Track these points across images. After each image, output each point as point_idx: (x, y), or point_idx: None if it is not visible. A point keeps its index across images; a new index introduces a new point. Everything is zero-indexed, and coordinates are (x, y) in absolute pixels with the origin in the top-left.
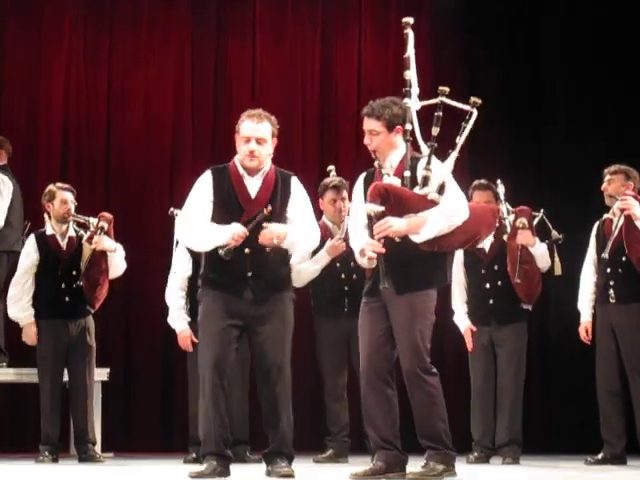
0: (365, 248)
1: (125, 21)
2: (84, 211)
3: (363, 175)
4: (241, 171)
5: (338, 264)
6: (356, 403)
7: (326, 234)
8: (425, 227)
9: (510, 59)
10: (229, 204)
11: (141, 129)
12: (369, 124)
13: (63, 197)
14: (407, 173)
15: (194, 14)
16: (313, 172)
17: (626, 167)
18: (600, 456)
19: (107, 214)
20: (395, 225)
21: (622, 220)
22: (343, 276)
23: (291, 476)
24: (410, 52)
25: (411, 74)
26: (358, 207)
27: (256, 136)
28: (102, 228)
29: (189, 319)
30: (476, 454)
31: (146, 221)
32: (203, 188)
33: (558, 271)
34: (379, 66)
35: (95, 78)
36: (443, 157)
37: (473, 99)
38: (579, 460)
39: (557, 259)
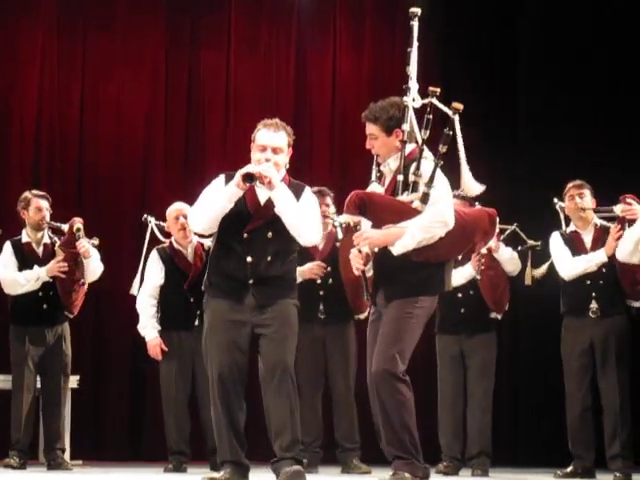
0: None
1: (99, 30)
2: (56, 219)
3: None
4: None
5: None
6: (329, 412)
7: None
8: (402, 239)
9: (485, 64)
10: (238, 209)
11: (114, 138)
12: (368, 128)
13: (38, 204)
14: (400, 177)
15: (168, 23)
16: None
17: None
18: (569, 469)
19: (78, 218)
20: (371, 237)
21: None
22: (319, 281)
23: (301, 475)
24: (414, 45)
25: (412, 69)
26: None
27: (273, 145)
28: (79, 229)
29: (159, 328)
30: (445, 464)
31: (118, 229)
32: (217, 187)
33: (528, 281)
34: (353, 76)
35: (68, 86)
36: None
37: (454, 105)
38: (548, 473)
39: (529, 268)
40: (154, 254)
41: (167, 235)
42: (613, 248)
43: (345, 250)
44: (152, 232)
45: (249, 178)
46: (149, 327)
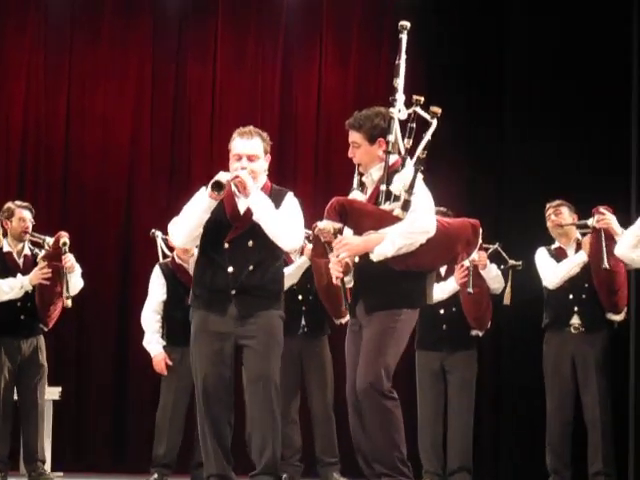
0: (330, 269)
1: (85, 41)
2: (41, 230)
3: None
4: (233, 188)
5: (295, 286)
6: (308, 426)
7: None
8: (381, 244)
9: (471, 76)
10: (217, 219)
11: (99, 149)
12: (351, 136)
13: (22, 215)
14: (383, 187)
15: (155, 33)
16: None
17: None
18: None
19: (65, 232)
20: (351, 244)
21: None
22: (300, 297)
23: None
24: (402, 58)
25: (399, 82)
26: None
27: (247, 153)
28: (65, 243)
29: (164, 343)
30: None
31: (102, 240)
32: (196, 200)
33: (507, 300)
34: (339, 89)
35: (54, 97)
36: (426, 171)
37: (432, 109)
38: None
39: (508, 288)
40: (156, 270)
41: (173, 249)
42: (589, 248)
43: (314, 261)
44: (160, 247)
45: (217, 187)
46: (154, 342)
